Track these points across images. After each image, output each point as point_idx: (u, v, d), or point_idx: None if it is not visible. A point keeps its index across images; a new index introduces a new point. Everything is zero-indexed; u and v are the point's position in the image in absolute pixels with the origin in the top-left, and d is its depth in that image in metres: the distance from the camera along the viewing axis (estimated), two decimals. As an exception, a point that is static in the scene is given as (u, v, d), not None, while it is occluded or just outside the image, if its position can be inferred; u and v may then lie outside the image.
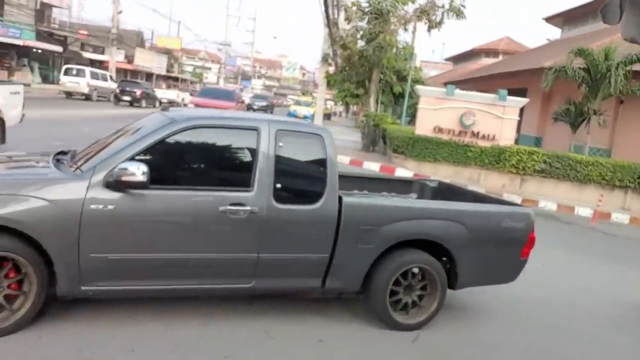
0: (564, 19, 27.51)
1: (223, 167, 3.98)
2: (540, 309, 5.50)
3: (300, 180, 4.11)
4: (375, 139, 18.57)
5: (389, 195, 5.78)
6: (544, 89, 15.57)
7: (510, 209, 4.78)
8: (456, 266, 4.39)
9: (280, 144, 3.88)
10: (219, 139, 3.91)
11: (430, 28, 17.65)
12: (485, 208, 4.71)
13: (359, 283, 4.15)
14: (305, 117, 29.76)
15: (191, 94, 33.15)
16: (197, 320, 3.96)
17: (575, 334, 4.92)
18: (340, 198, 3.98)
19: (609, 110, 15.48)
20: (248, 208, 3.71)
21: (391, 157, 15.76)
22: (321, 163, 4.01)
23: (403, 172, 14.41)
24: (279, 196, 3.80)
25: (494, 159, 14.04)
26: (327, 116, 39.93)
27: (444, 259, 4.46)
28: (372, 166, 14.98)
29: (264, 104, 36.78)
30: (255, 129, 3.88)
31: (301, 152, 4.05)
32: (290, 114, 32.47)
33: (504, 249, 4.60)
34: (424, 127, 15.15)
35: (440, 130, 14.93)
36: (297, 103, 35.00)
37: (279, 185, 3.80)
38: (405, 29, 18.13)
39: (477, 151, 14.15)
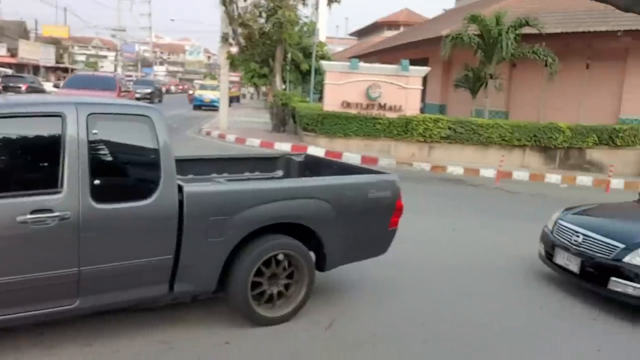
0: (457, -12, 28.44)
1: (19, 166, 3.20)
2: (453, 274, 5.53)
3: (125, 173, 3.50)
4: (285, 119, 18.27)
5: (252, 176, 5.35)
6: (443, 57, 15.95)
7: (376, 177, 4.52)
8: (323, 246, 4.09)
9: (95, 131, 3.23)
10: (11, 130, 3.13)
11: (330, 2, 17.46)
12: (349, 180, 4.40)
13: (214, 281, 3.69)
14: (212, 102, 28.77)
15: (55, 86, 28.57)
16: (78, 343, 3.50)
17: (483, 295, 4.99)
18: (180, 188, 3.47)
19: (504, 74, 16.19)
20: (57, 214, 3.07)
21: (302, 135, 15.55)
22: (152, 150, 3.42)
23: (315, 149, 14.25)
24: (99, 195, 3.19)
25: (402, 129, 14.24)
26: (236, 99, 38.98)
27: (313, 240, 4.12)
28: (283, 147, 14.68)
29: (149, 90, 32.35)
30: (59, 115, 3.17)
31: (124, 138, 3.42)
32: (196, 100, 31.24)
33: (372, 221, 4.35)
34: (331, 102, 15.06)
35: (348, 104, 14.91)
36: (203, 87, 33.50)
37: (97, 182, 3.19)
38: (305, 4, 17.81)
39: (385, 123, 14.28)
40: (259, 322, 3.88)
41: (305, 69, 25.94)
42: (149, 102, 23.33)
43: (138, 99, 23.82)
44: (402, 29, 38.51)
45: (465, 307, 4.66)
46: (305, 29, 24.32)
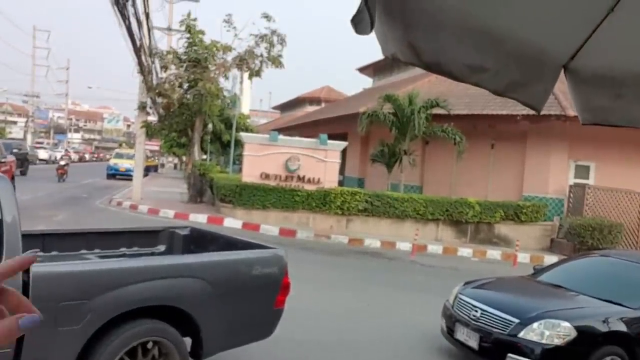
0: (374, 69, 30.15)
1: None
2: (355, 352, 5.28)
3: None
4: (203, 189, 17.80)
5: (129, 251, 4.87)
6: (360, 132, 16.47)
7: (261, 253, 4.24)
8: (200, 331, 3.67)
9: None
10: None
11: (251, 76, 17.70)
12: (232, 256, 4.10)
13: None
14: (127, 171, 27.70)
15: None
16: None
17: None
18: (27, 270, 2.96)
19: (417, 150, 16.91)
20: None
21: (219, 207, 15.12)
22: None
23: (232, 221, 13.85)
24: None
25: (321, 201, 14.24)
26: (154, 168, 37.90)
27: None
28: (198, 218, 14.14)
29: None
30: None
31: None
32: (110, 169, 29.96)
33: (256, 300, 4.00)
34: (250, 173, 14.89)
35: (267, 176, 14.81)
36: (119, 156, 32.28)
37: None
38: (226, 77, 17.95)
39: (304, 195, 14.24)
40: None
41: (227, 140, 25.86)
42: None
43: None
44: (323, 104, 39.93)
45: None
46: (227, 100, 24.46)
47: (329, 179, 15.06)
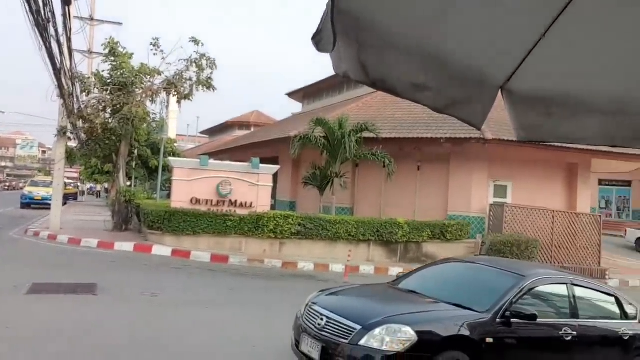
0: (303, 94, 30.61)
1: None
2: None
3: None
4: (128, 217, 17.09)
5: None
6: (292, 156, 16.59)
7: None
8: None
9: None
10: None
11: (180, 100, 17.40)
12: None
13: None
14: (44, 199, 26.09)
15: None
16: None
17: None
18: None
19: (348, 173, 17.26)
20: None
21: (147, 234, 14.57)
22: None
23: (160, 249, 13.39)
24: None
25: (253, 226, 14.11)
26: (73, 196, 35.99)
27: None
28: (124, 246, 13.55)
29: None
30: None
31: None
32: (24, 197, 28.08)
33: None
34: (180, 199, 14.54)
35: (198, 201, 14.51)
36: (34, 184, 30.33)
37: None
38: (153, 101, 17.53)
39: (236, 220, 14.06)
40: None
41: (154, 165, 25.11)
42: None
43: None
44: (252, 129, 39.87)
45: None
46: (154, 125, 23.84)
47: (262, 203, 14.99)
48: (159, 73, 16.49)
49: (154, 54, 16.21)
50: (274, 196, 18.17)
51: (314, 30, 1.32)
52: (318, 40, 1.29)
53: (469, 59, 1.59)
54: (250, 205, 14.79)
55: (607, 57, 1.57)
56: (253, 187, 14.97)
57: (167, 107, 24.59)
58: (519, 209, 15.78)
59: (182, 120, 52.13)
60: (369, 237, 14.70)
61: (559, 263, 15.19)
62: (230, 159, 22.54)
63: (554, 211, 16.10)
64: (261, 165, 15.20)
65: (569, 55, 1.60)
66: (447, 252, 14.71)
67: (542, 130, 1.74)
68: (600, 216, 17.01)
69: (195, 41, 15.92)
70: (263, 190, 15.17)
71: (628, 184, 31.01)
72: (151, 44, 15.97)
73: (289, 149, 16.27)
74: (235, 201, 14.76)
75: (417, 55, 1.52)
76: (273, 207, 17.02)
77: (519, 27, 1.52)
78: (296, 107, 33.07)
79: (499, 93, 1.72)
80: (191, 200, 14.46)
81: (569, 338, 5.10)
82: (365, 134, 15.96)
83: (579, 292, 5.52)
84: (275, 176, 16.07)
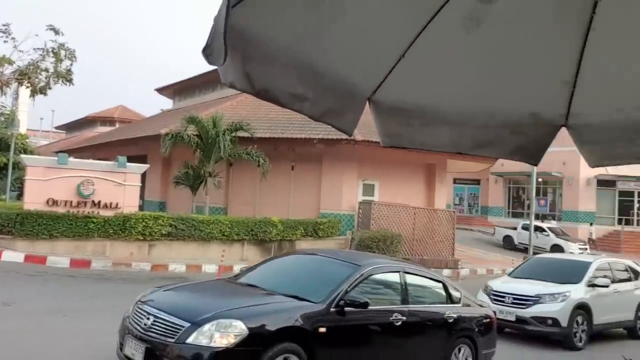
0: (174, 90, 29.55)
1: None
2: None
3: None
4: (-29, 220, 15.14)
5: None
6: (164, 154, 15.95)
7: None
8: None
9: None
10: None
11: (34, 93, 15.89)
12: None
13: None
14: None
15: None
16: None
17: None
18: None
19: (222, 172, 17.03)
20: None
21: (-6, 239, 13.05)
22: None
23: (11, 254, 12.08)
24: None
25: (119, 227, 13.33)
26: None
27: None
28: (-34, 254, 11.99)
29: None
30: None
31: None
32: None
33: None
34: (34, 200, 13.23)
35: (55, 202, 13.33)
36: None
37: None
38: (3, 93, 15.77)
39: (100, 222, 13.16)
40: None
41: (3, 163, 22.56)
42: None
43: None
44: (117, 124, 37.59)
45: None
46: (2, 118, 21.41)
47: (129, 204, 14.20)
48: (10, 62, 14.88)
49: (4, 41, 14.57)
50: (142, 196, 17.32)
51: (204, 44, 1.35)
52: (208, 53, 1.33)
53: (341, 73, 1.73)
54: (116, 206, 13.94)
55: (455, 78, 1.82)
56: (119, 187, 14.13)
57: (16, 98, 22.30)
58: (384, 206, 16.82)
59: (35, 114, 47.34)
60: (243, 237, 14.66)
61: (419, 255, 16.48)
62: (93, 157, 21.05)
63: (415, 208, 17.42)
64: (128, 164, 14.40)
65: (425, 74, 1.82)
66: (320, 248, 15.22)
67: (402, 137, 1.94)
68: (454, 212, 18.80)
69: (55, 30, 14.62)
70: (130, 191, 14.39)
71: (477, 182, 34.65)
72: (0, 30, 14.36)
73: (159, 147, 15.63)
74: (99, 202, 13.82)
75: (296, 68, 1.62)
76: (141, 208, 16.23)
77: (384, 46, 1.69)
78: (166, 103, 31.86)
79: (367, 103, 1.88)
80: (47, 202, 13.24)
81: (399, 323, 5.29)
82: (240, 133, 15.89)
83: (410, 279, 5.77)
84: (143, 176, 15.32)
